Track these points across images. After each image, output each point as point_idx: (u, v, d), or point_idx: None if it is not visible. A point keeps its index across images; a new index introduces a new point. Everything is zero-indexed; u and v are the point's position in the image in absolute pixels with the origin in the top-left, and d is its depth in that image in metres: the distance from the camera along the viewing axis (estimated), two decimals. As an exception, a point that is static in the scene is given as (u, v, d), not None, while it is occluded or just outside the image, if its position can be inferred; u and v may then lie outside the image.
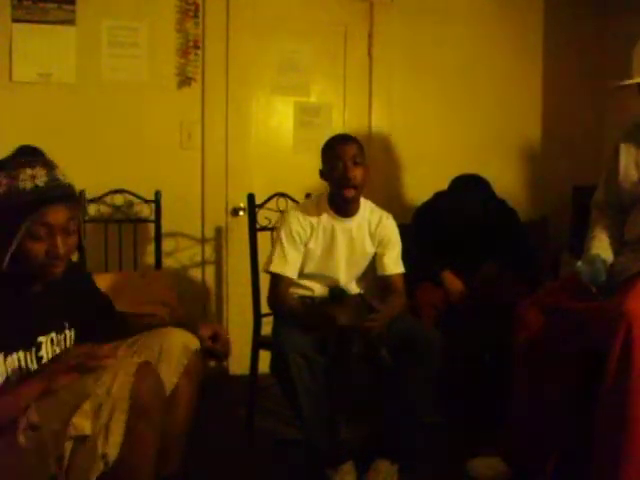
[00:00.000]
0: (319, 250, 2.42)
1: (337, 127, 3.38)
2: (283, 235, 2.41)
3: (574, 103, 3.69)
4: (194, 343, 1.75)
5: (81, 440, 1.45)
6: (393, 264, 2.46)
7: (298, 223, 2.41)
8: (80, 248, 1.70)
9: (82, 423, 1.44)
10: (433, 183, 3.44)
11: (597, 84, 3.56)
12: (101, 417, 1.44)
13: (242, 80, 3.34)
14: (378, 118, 3.53)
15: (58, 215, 1.53)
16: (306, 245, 2.41)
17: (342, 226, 2.42)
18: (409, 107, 3.55)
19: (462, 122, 3.60)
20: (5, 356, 1.52)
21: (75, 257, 1.77)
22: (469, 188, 2.96)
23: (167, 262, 3.11)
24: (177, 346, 1.70)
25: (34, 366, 1.58)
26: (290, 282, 2.39)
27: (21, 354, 1.56)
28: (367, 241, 2.45)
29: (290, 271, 2.38)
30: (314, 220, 2.42)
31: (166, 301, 2.71)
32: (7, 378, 1.52)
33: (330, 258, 2.42)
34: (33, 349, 1.59)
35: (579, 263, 2.12)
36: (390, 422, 2.25)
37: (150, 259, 3.08)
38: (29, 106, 3.03)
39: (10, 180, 1.51)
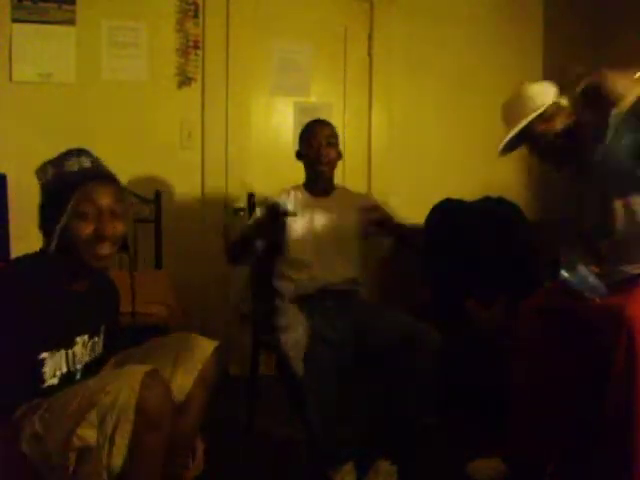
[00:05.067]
0: (301, 230, 2.48)
1: (337, 127, 3.35)
2: (260, 208, 2.53)
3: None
4: (211, 346, 1.73)
5: (86, 451, 1.42)
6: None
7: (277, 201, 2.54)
8: (125, 246, 1.70)
9: (87, 434, 1.41)
10: (433, 183, 3.46)
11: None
12: (106, 427, 1.41)
13: (242, 80, 3.34)
14: (378, 118, 3.53)
15: (104, 194, 1.56)
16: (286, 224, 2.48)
17: (320, 204, 2.53)
18: (409, 107, 3.54)
19: (462, 122, 3.60)
20: (52, 353, 1.54)
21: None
22: (490, 219, 2.95)
23: (167, 262, 3.11)
24: (193, 351, 1.69)
25: (75, 367, 1.61)
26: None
27: (63, 352, 1.57)
28: (350, 213, 2.54)
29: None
30: (292, 201, 2.49)
31: (166, 301, 2.71)
32: (59, 386, 1.55)
33: (314, 237, 2.48)
34: (73, 347, 1.61)
35: (562, 272, 2.07)
36: (390, 422, 2.25)
37: (150, 259, 3.08)
38: (29, 106, 3.03)
39: (57, 168, 1.57)
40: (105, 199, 1.56)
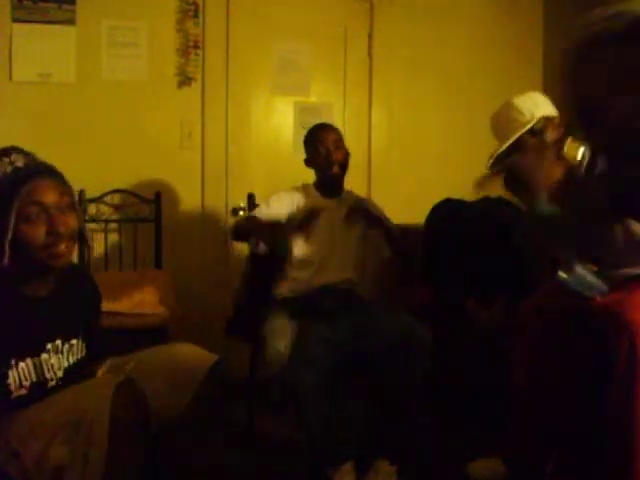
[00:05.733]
0: (306, 229, 2.49)
1: (337, 127, 3.38)
2: (271, 197, 2.59)
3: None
4: (208, 362, 1.65)
5: (62, 469, 1.35)
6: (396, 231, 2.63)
7: (287, 193, 2.59)
8: (82, 239, 1.62)
9: (60, 452, 1.35)
10: (433, 182, 3.46)
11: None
12: (79, 444, 1.34)
13: (242, 80, 3.34)
14: (378, 118, 3.53)
15: (46, 191, 1.46)
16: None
17: (329, 205, 2.54)
18: (409, 107, 3.55)
19: (462, 122, 3.60)
20: (17, 363, 1.46)
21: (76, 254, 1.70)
22: (490, 218, 2.96)
23: (167, 262, 3.11)
24: (189, 368, 1.61)
25: (52, 374, 1.53)
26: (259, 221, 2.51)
27: (29, 361, 1.49)
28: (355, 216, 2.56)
29: (264, 215, 2.50)
30: (302, 199, 2.56)
31: (166, 301, 2.72)
32: (30, 396, 1.47)
33: (319, 237, 2.50)
34: (43, 355, 1.52)
35: (559, 272, 2.07)
36: (388, 422, 2.25)
37: (150, 259, 3.08)
38: (29, 106, 3.03)
39: None
40: (49, 196, 1.45)
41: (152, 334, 2.53)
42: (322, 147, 2.53)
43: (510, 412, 2.24)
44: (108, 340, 1.78)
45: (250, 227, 2.52)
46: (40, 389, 1.50)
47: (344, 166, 2.57)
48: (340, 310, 2.37)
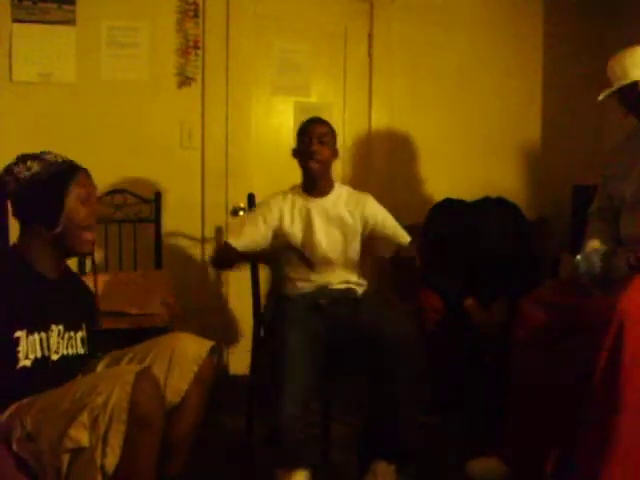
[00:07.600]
0: (300, 233, 2.48)
1: (337, 127, 3.35)
2: (250, 213, 2.61)
3: (574, 103, 3.70)
4: (205, 347, 1.74)
5: (79, 451, 1.42)
6: (402, 234, 2.54)
7: (267, 206, 2.52)
8: None
9: (79, 435, 1.41)
10: (434, 183, 3.46)
11: (597, 84, 3.56)
12: (98, 428, 1.41)
13: (242, 80, 3.34)
14: (378, 118, 3.53)
15: (91, 182, 1.71)
16: (281, 229, 2.47)
17: (317, 205, 2.50)
18: (409, 107, 3.54)
19: (462, 122, 3.60)
20: (27, 335, 1.56)
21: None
22: (490, 219, 2.98)
23: (167, 262, 3.11)
24: (188, 353, 1.69)
25: (49, 353, 1.62)
26: (235, 250, 2.46)
27: (37, 336, 1.59)
28: (346, 217, 2.52)
29: (239, 243, 2.45)
30: (287, 204, 2.51)
31: (166, 301, 2.71)
32: (32, 370, 1.56)
33: (311, 239, 2.47)
34: (49, 332, 1.62)
35: (577, 257, 2.16)
36: (375, 421, 2.21)
37: (150, 259, 3.08)
38: (29, 106, 3.03)
39: (42, 162, 1.65)
40: (92, 186, 1.71)
41: (152, 334, 2.51)
42: (306, 138, 2.44)
43: (510, 411, 2.24)
44: (108, 340, 1.86)
45: (226, 259, 2.51)
46: (42, 365, 1.60)
47: (324, 163, 2.46)
48: (336, 311, 2.35)
